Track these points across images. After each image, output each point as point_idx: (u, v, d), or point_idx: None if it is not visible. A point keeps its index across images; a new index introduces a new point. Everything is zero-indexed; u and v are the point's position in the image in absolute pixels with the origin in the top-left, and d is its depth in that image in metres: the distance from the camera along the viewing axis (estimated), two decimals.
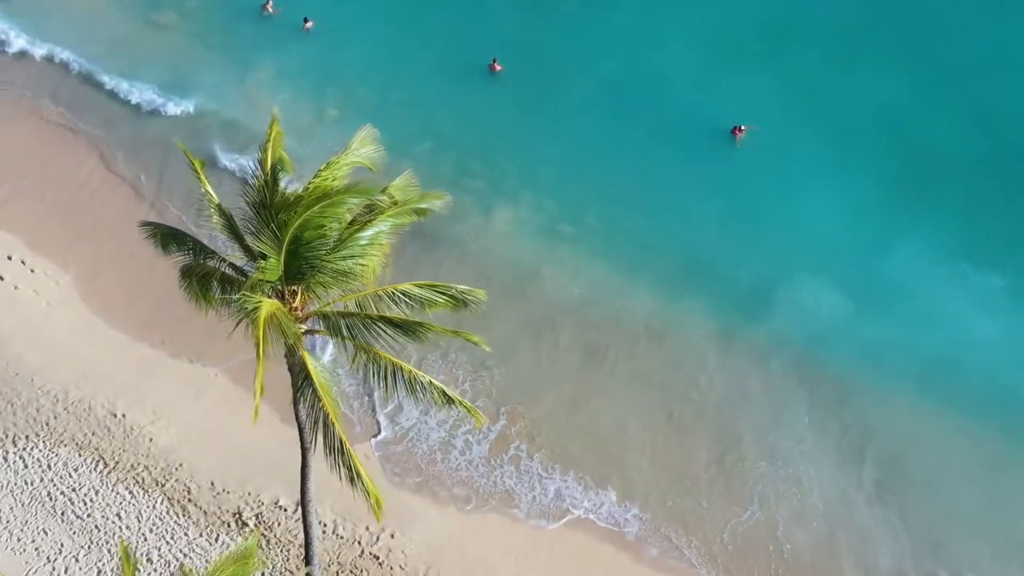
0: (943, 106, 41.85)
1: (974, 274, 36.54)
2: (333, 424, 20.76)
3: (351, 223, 21.25)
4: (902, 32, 44.87)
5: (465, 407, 21.87)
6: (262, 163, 21.36)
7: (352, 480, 21.16)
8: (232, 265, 22.03)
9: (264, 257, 20.53)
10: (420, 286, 22.02)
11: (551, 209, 39.32)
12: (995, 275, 36.51)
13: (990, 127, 41.13)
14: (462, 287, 22.23)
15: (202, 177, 22.24)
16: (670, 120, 41.83)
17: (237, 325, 20.19)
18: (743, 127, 40.65)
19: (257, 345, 19.55)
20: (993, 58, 43.62)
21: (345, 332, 21.39)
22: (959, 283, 36.34)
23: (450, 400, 21.77)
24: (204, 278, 21.87)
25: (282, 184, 21.25)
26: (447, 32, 45.97)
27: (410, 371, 21.52)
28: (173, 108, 43.24)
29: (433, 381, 21.70)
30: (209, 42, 46.21)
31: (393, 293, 21.74)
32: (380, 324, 21.36)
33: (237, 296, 20.12)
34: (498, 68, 43.82)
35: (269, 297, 20.58)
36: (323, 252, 20.70)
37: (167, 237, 22.82)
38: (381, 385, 21.64)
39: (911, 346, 34.86)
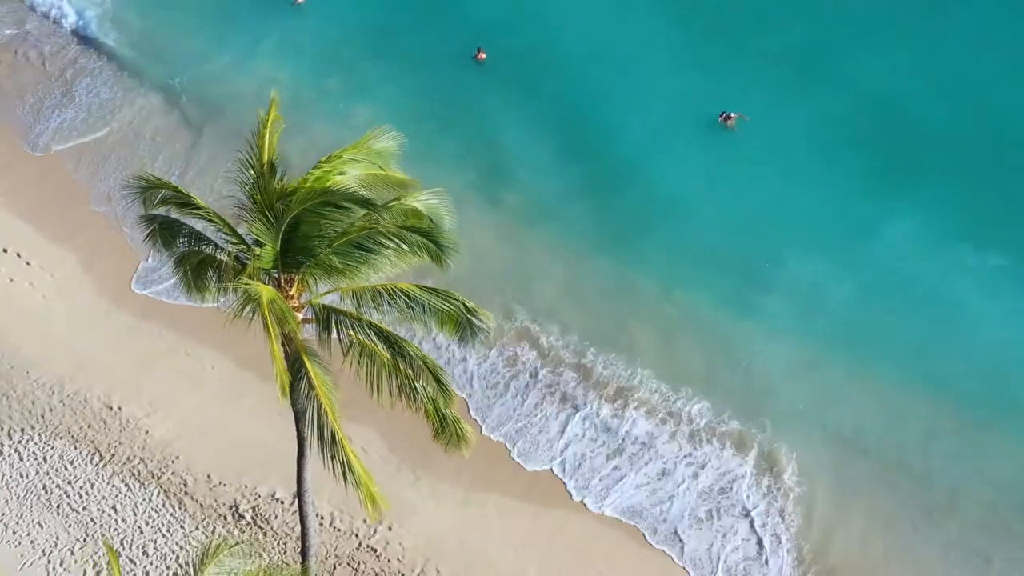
0: (937, 87, 41.49)
1: (972, 256, 36.26)
2: (327, 414, 20.14)
3: (353, 223, 20.62)
4: (894, 12, 44.49)
5: (456, 430, 21.01)
6: (258, 150, 21.05)
7: (344, 474, 20.42)
8: (229, 253, 21.58)
9: (260, 244, 20.33)
10: (423, 289, 20.98)
11: (542, 196, 39.14)
12: (994, 256, 36.24)
13: (984, 108, 40.71)
14: (469, 303, 20.99)
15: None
16: (659, 107, 41.52)
17: (242, 312, 19.56)
18: (732, 114, 40.40)
19: (266, 327, 19.20)
20: (988, 38, 43.23)
21: (335, 327, 20.83)
22: (956, 264, 36.08)
23: (442, 419, 20.88)
24: (199, 267, 21.57)
25: (279, 172, 20.94)
26: (433, 10, 45.84)
27: (406, 374, 20.87)
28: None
29: (429, 391, 20.86)
30: (200, 13, 46.57)
31: (393, 290, 20.90)
32: (371, 330, 20.80)
33: (236, 283, 19.76)
34: (483, 56, 43.55)
35: (265, 284, 20.33)
36: (321, 245, 20.37)
37: (165, 229, 22.07)
38: (372, 387, 20.81)
39: (908, 328, 34.68)
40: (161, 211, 22.32)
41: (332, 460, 20.44)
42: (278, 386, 19.50)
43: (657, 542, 30.07)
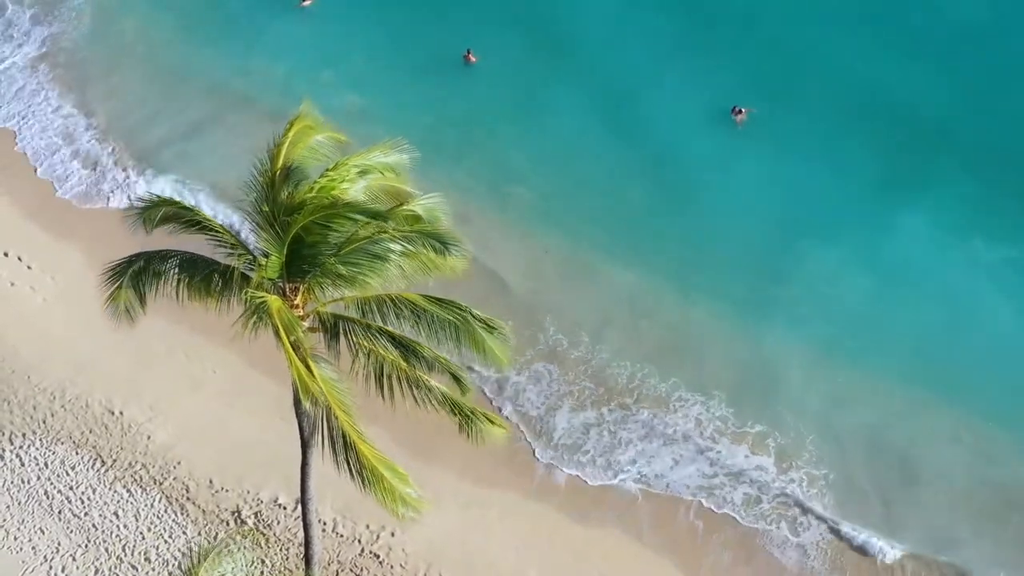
0: (949, 80, 41.53)
1: (985, 250, 36.42)
2: (336, 417, 19.63)
3: (358, 231, 20.39)
4: (905, 6, 44.48)
5: (480, 424, 20.56)
6: (272, 159, 20.93)
7: (366, 481, 19.75)
8: (231, 267, 21.28)
9: (266, 255, 20.24)
10: (429, 300, 20.67)
11: (548, 194, 39.02)
12: (1006, 249, 36.40)
13: (998, 98, 40.80)
14: (479, 313, 20.56)
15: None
16: (665, 104, 41.34)
17: (249, 323, 19.38)
18: (743, 109, 40.13)
19: (279, 335, 19.10)
20: (997, 31, 43.25)
21: (342, 334, 20.69)
22: (969, 258, 36.26)
23: (464, 415, 20.48)
24: (204, 280, 21.33)
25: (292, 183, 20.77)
26: (436, 15, 45.66)
27: (419, 375, 20.66)
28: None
29: (444, 391, 20.69)
30: (209, 15, 46.48)
31: (398, 300, 20.70)
32: (381, 335, 20.60)
33: (243, 294, 19.64)
34: (473, 59, 43.02)
35: (270, 293, 20.24)
36: (327, 254, 20.24)
37: (141, 274, 21.51)
38: (382, 391, 20.56)
39: (919, 321, 34.84)
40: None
41: (349, 467, 19.85)
42: (301, 389, 19.26)
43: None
